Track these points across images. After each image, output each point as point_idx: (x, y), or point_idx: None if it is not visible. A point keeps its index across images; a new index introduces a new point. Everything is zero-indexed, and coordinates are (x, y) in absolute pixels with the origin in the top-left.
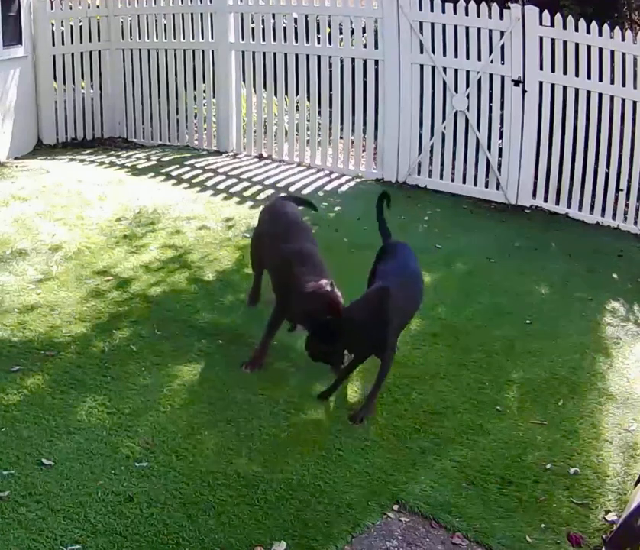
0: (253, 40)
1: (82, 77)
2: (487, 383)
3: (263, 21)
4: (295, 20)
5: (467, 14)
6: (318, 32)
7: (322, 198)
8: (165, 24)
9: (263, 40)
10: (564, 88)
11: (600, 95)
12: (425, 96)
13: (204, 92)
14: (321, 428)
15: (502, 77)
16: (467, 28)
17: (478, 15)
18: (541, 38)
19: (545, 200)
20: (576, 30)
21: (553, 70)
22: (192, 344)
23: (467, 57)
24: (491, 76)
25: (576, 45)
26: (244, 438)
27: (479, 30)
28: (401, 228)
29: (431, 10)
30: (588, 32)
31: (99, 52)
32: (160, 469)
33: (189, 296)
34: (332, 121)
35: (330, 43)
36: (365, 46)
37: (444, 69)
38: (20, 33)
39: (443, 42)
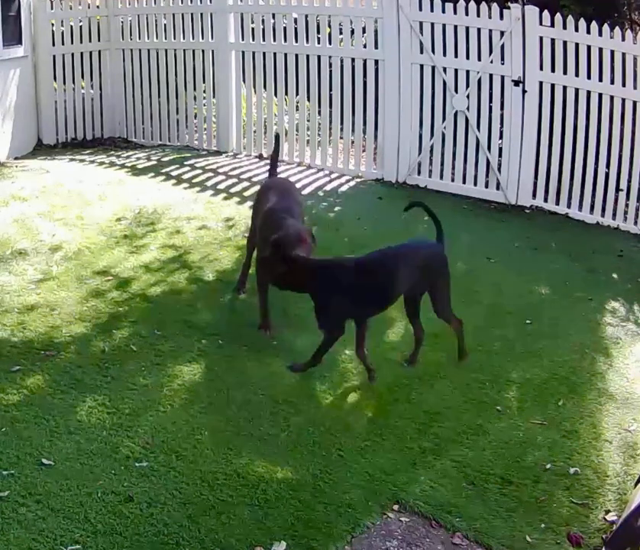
0: (253, 40)
1: (82, 77)
2: (487, 383)
3: (263, 21)
4: (295, 20)
5: (467, 14)
6: (318, 32)
7: (322, 199)
8: (165, 24)
9: (263, 40)
10: (564, 88)
11: (600, 95)
12: (425, 96)
13: (204, 92)
14: (321, 428)
15: (502, 77)
16: (467, 28)
17: (478, 15)
18: (541, 38)
19: (545, 200)
20: (577, 30)
21: (553, 70)
22: (192, 344)
23: (467, 57)
24: (491, 76)
25: (577, 45)
26: (243, 438)
27: (479, 30)
28: (401, 228)
29: (431, 10)
30: (588, 32)
31: (99, 52)
32: (160, 469)
33: (188, 296)
34: (332, 121)
35: (330, 43)
36: (365, 46)
37: (444, 69)
38: (20, 33)
39: (443, 42)
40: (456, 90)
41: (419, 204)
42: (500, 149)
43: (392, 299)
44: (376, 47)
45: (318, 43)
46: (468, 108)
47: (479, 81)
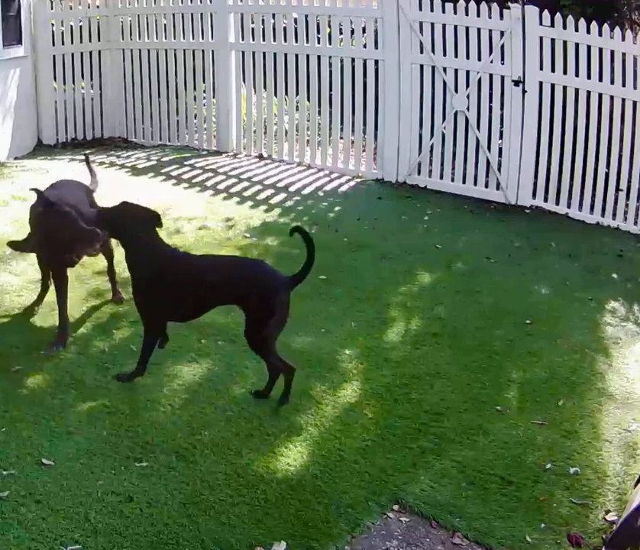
0: (253, 40)
1: (82, 77)
2: (487, 383)
3: (263, 21)
4: (295, 20)
5: (467, 14)
6: (318, 32)
7: (322, 199)
8: (165, 24)
9: (263, 40)
10: (564, 88)
11: (600, 95)
12: (425, 96)
13: (204, 92)
14: (321, 428)
15: (502, 77)
16: (467, 28)
17: (478, 15)
18: (541, 38)
19: (545, 200)
20: (577, 30)
21: (553, 70)
22: (192, 344)
23: (467, 57)
24: (491, 76)
25: (577, 45)
26: (244, 438)
27: (479, 30)
28: (401, 228)
29: (431, 10)
30: (588, 32)
31: (99, 52)
32: (160, 469)
33: None
34: (332, 121)
35: (330, 43)
36: (365, 46)
37: (444, 69)
38: (20, 33)
39: (443, 42)
40: (456, 90)
41: (298, 230)
42: (500, 149)
43: (193, 305)
44: (376, 47)
45: (318, 43)
46: (468, 108)
47: (479, 81)
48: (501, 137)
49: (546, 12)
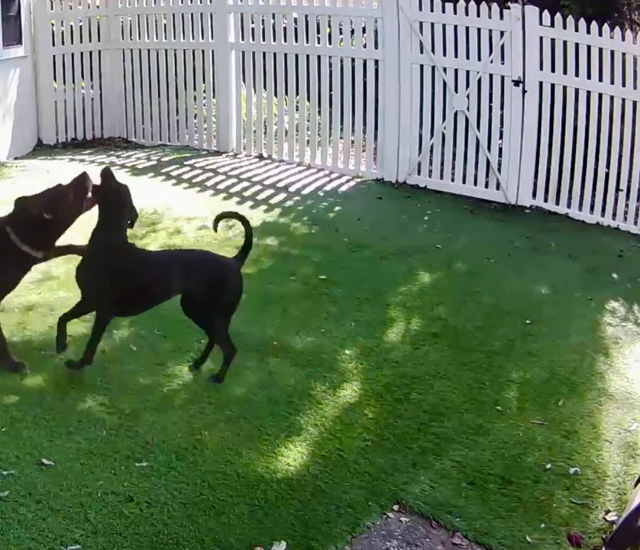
0: (253, 40)
1: (82, 77)
2: (487, 383)
3: (263, 21)
4: (295, 20)
5: (467, 14)
6: (318, 32)
7: (322, 199)
8: (165, 24)
9: (263, 40)
10: (564, 88)
11: (600, 95)
12: (425, 96)
13: (204, 92)
14: (321, 428)
15: (502, 77)
16: (467, 28)
17: (478, 15)
18: (541, 38)
19: (545, 200)
20: (577, 30)
21: (553, 70)
22: (192, 344)
23: (467, 57)
24: (491, 76)
25: (577, 45)
26: (244, 438)
27: (479, 30)
28: (401, 228)
29: (431, 10)
30: (588, 32)
31: (99, 52)
32: (160, 469)
33: None
34: (332, 121)
35: (330, 43)
36: (365, 46)
37: (444, 69)
38: (20, 33)
39: (443, 42)
40: (456, 90)
41: (230, 214)
42: (500, 149)
43: (148, 296)
44: (376, 47)
45: (318, 43)
46: (468, 108)
47: (479, 81)
48: (501, 137)
49: (546, 12)
